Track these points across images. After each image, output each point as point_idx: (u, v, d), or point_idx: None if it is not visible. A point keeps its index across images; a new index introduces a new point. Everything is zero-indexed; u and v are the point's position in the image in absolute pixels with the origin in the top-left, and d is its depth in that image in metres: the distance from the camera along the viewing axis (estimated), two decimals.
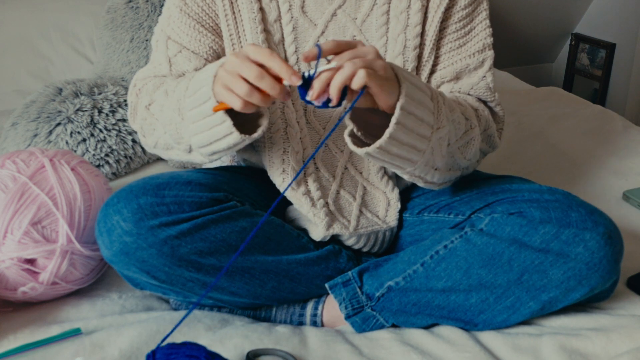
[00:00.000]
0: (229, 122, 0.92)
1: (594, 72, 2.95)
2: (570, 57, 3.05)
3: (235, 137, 0.93)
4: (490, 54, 1.14)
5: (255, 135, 0.95)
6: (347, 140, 0.95)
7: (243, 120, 0.96)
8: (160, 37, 1.13)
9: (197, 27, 1.10)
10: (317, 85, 0.86)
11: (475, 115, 1.08)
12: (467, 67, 1.13)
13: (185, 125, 0.97)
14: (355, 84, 0.85)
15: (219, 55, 1.12)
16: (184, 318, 0.91)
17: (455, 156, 1.05)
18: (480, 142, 1.08)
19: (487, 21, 1.14)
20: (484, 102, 1.15)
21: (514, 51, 2.99)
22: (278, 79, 0.87)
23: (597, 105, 2.03)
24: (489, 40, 1.14)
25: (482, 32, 1.14)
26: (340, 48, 0.88)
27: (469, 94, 1.13)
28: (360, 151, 0.93)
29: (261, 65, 0.87)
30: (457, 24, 1.12)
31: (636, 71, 2.79)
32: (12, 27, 1.99)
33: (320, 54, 0.86)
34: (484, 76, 1.13)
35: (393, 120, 0.90)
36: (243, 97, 0.88)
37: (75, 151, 1.51)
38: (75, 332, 1.03)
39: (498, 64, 2.48)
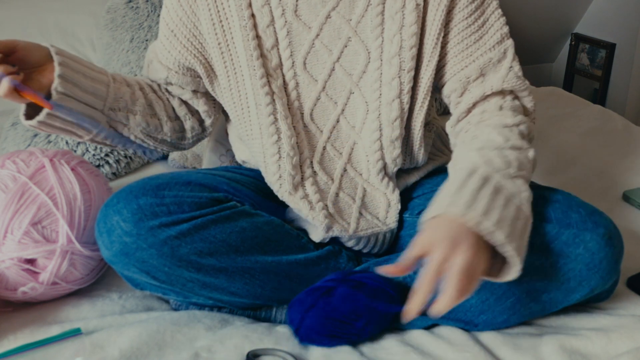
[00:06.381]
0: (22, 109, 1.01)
1: (594, 72, 2.95)
2: (570, 57, 3.04)
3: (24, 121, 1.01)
4: (510, 42, 1.10)
5: (34, 121, 1.00)
6: None
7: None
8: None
9: (171, 37, 1.10)
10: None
11: (518, 148, 1.02)
12: (490, 61, 1.08)
13: None
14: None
15: (186, 68, 1.11)
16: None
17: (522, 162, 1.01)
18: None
19: (499, 10, 1.10)
20: (516, 96, 1.10)
21: None
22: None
23: (597, 105, 2.03)
24: (505, 29, 1.09)
25: (496, 22, 1.09)
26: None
27: (501, 91, 1.09)
28: None
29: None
30: (468, 19, 1.08)
31: (636, 71, 2.79)
32: (12, 27, 1.99)
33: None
34: (511, 66, 1.09)
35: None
36: None
37: (75, 151, 1.51)
38: (75, 332, 1.03)
39: None
